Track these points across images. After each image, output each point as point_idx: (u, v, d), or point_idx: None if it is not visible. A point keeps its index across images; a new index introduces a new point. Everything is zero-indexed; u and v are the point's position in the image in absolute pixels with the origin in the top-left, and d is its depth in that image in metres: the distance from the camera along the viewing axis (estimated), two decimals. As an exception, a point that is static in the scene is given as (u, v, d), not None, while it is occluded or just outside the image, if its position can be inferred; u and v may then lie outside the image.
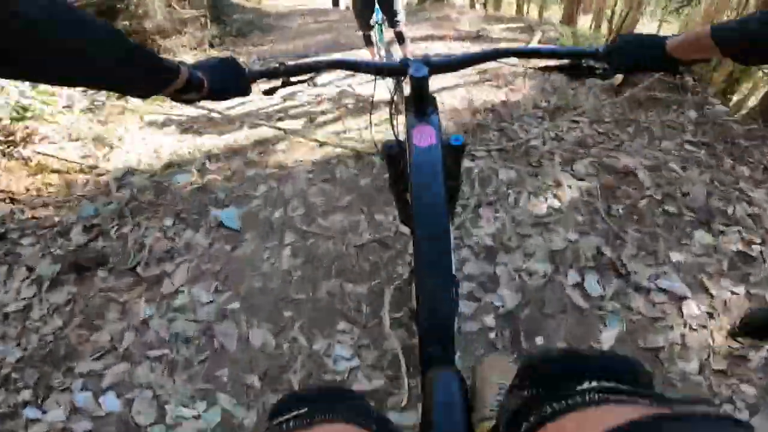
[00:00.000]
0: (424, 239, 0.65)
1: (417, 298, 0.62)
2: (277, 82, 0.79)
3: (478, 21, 5.38)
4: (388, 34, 2.99)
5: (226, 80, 0.70)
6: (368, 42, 3.10)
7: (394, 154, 0.88)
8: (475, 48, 3.98)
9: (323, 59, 0.78)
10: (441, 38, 4.50)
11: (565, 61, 0.76)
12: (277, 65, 0.76)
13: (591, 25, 5.63)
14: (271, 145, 2.47)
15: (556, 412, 0.35)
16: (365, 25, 2.95)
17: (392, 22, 2.94)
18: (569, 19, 5.41)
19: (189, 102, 0.68)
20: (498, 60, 0.78)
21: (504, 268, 1.56)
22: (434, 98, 0.79)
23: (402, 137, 0.83)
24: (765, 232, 1.67)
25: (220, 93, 0.69)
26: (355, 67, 0.80)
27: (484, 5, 7.00)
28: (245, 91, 0.73)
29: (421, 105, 0.76)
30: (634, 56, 0.69)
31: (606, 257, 1.59)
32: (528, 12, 6.78)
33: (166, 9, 4.81)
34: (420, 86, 0.74)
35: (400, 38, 3.07)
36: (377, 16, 2.86)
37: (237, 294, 1.56)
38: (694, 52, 0.64)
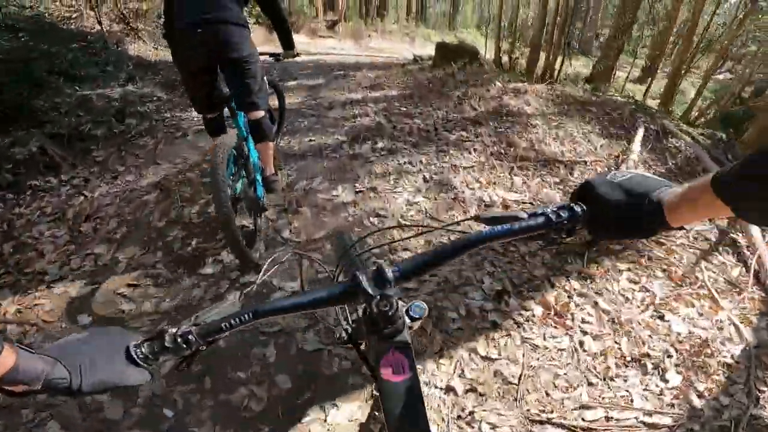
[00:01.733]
0: None
1: None
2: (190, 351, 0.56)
3: (557, 115, 4.71)
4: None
5: (96, 366, 0.48)
6: (211, 129, 2.43)
7: None
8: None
9: (253, 311, 0.57)
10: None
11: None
12: (176, 333, 0.54)
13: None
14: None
15: None
16: (201, 105, 2.32)
17: (244, 105, 2.22)
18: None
19: (17, 396, 0.46)
20: (473, 248, 0.62)
21: None
22: (402, 313, 0.60)
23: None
24: None
25: (81, 391, 0.47)
26: (295, 308, 0.59)
27: (549, 78, 6.81)
28: (129, 378, 0.51)
29: (387, 326, 0.58)
30: (621, 228, 0.55)
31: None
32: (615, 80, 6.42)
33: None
34: (384, 306, 0.56)
35: (257, 131, 2.26)
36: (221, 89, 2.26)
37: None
38: (698, 213, 0.50)
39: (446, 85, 5.45)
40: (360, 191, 3.06)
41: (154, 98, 5.01)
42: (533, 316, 2.12)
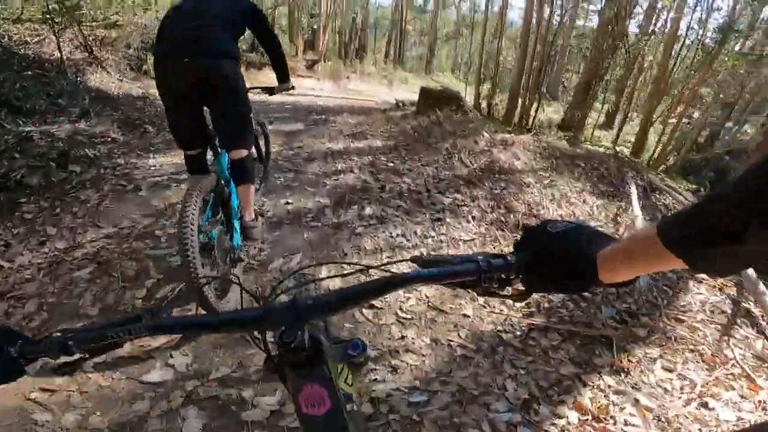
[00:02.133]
0: None
1: None
2: (73, 357, 0.57)
3: (546, 170, 4.58)
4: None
5: None
6: (192, 167, 2.24)
7: None
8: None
9: (146, 325, 0.55)
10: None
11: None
12: (71, 336, 0.55)
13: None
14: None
15: None
16: (183, 139, 2.16)
17: (228, 143, 2.10)
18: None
19: None
20: (395, 289, 0.60)
21: None
22: (319, 341, 0.57)
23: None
24: None
25: None
26: (199, 327, 0.59)
27: (525, 123, 6.71)
28: (8, 376, 0.53)
29: (299, 358, 0.55)
30: (554, 281, 0.52)
31: None
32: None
33: None
34: (288, 338, 0.53)
35: (240, 172, 2.11)
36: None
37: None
38: (640, 266, 0.46)
39: (432, 135, 5.16)
40: (348, 273, 2.56)
41: (108, 139, 4.44)
42: (569, 424, 1.83)
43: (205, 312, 1.96)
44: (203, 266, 1.86)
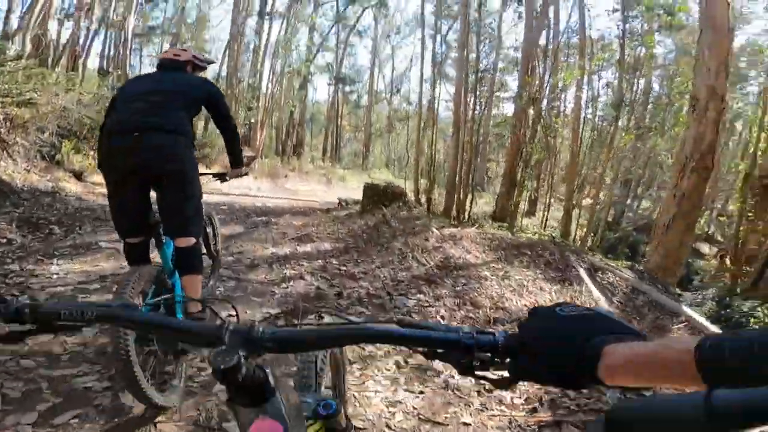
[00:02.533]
0: None
1: None
2: (24, 327, 0.57)
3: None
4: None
5: None
6: (132, 256, 2.05)
7: None
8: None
9: (98, 309, 0.57)
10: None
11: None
12: (28, 305, 0.56)
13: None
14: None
15: None
16: (124, 225, 2.00)
17: (175, 229, 1.95)
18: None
19: None
20: (364, 341, 0.57)
21: None
22: (268, 375, 0.53)
23: None
24: None
25: None
26: (150, 326, 0.61)
27: (462, 216, 6.75)
28: None
29: (252, 389, 0.51)
30: (545, 372, 0.46)
31: None
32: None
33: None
34: (224, 364, 0.48)
35: (187, 261, 1.96)
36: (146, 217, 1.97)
37: None
38: (653, 378, 0.42)
39: (382, 234, 5.09)
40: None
41: (3, 240, 3.81)
42: None
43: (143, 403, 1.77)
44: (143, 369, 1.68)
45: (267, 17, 15.76)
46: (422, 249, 4.55)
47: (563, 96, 12.42)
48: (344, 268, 4.05)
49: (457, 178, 10.23)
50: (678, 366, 0.39)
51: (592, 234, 12.12)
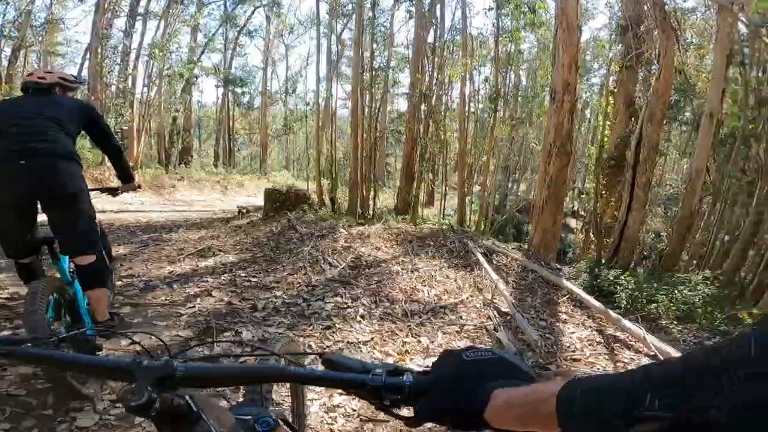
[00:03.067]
0: None
1: None
2: None
3: None
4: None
5: None
6: (26, 275, 2.04)
7: None
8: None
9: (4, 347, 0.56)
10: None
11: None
12: None
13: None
14: None
15: None
16: (13, 248, 1.99)
17: (72, 248, 1.97)
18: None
19: None
20: (282, 380, 0.60)
21: None
22: (189, 402, 0.54)
23: None
24: None
25: None
26: (57, 362, 0.60)
27: (366, 211, 6.85)
28: None
29: (175, 419, 0.52)
30: (444, 414, 0.48)
31: None
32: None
33: None
34: (135, 399, 0.49)
35: (90, 276, 2.00)
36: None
37: None
38: (527, 423, 0.42)
39: (290, 240, 4.97)
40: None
41: None
42: None
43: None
44: None
45: (140, 18, 14.19)
46: (333, 251, 4.56)
47: (450, 92, 13.27)
48: (254, 279, 3.88)
49: (358, 176, 10.37)
50: (544, 411, 0.39)
51: (483, 218, 13.23)
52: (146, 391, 0.48)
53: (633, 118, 9.03)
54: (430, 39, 11.53)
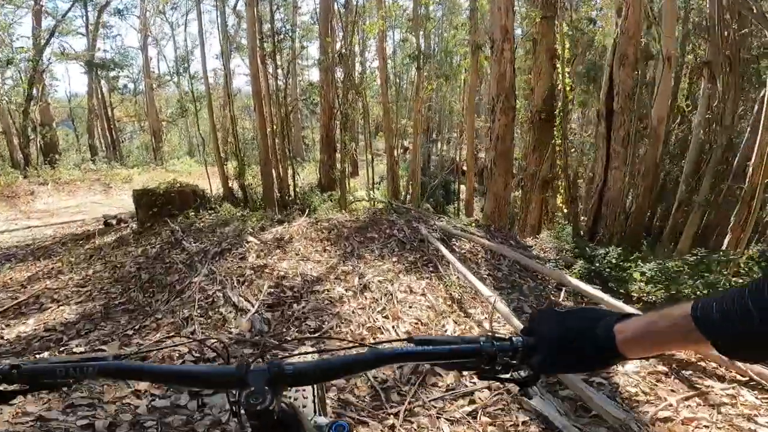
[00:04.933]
0: None
1: None
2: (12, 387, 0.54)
3: None
4: None
5: None
6: None
7: None
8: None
9: (98, 363, 0.52)
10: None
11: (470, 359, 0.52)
12: (15, 365, 0.52)
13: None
14: None
15: None
16: None
17: None
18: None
19: None
20: (385, 364, 0.56)
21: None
22: (294, 411, 0.55)
23: None
24: None
25: None
26: (164, 377, 0.56)
27: (287, 196, 5.45)
28: None
29: (284, 426, 0.50)
30: (567, 359, 0.50)
31: None
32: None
33: None
34: (254, 400, 0.47)
35: None
36: None
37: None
38: (664, 345, 0.48)
39: (173, 265, 3.32)
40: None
41: None
42: None
43: None
44: None
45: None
46: (239, 277, 3.02)
47: (367, 53, 11.76)
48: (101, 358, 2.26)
49: (270, 154, 8.65)
50: (681, 330, 0.43)
51: (414, 184, 12.22)
52: (267, 393, 0.47)
53: (556, 70, 8.34)
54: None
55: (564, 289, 3.34)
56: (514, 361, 0.51)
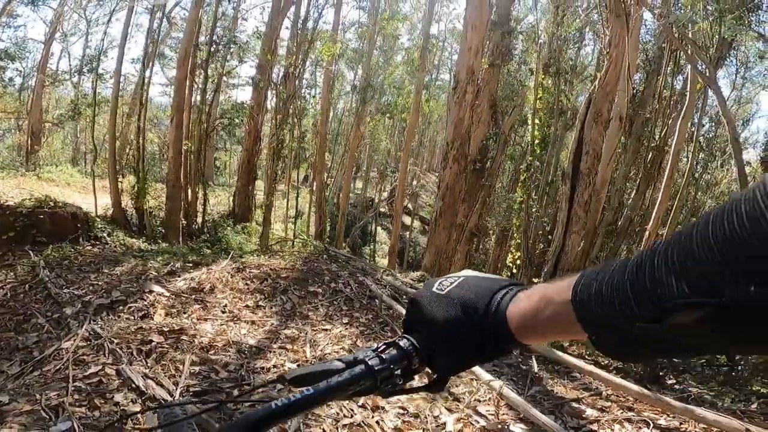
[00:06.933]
0: None
1: None
2: None
3: None
4: None
5: None
6: None
7: None
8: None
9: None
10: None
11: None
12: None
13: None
14: None
15: None
16: None
17: None
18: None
19: None
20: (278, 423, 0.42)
21: None
22: None
23: None
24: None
25: None
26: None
27: (193, 221, 4.44)
28: None
29: None
30: (453, 351, 0.42)
31: None
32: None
33: None
34: None
35: None
36: None
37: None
38: (556, 335, 0.40)
39: (31, 317, 2.21)
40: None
41: None
42: None
43: None
44: None
45: None
46: (139, 345, 2.04)
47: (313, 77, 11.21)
48: None
49: (182, 174, 7.45)
50: (564, 317, 0.35)
51: (336, 217, 11.67)
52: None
53: (494, 119, 8.55)
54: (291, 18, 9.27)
55: (545, 362, 2.90)
56: (414, 365, 0.42)
